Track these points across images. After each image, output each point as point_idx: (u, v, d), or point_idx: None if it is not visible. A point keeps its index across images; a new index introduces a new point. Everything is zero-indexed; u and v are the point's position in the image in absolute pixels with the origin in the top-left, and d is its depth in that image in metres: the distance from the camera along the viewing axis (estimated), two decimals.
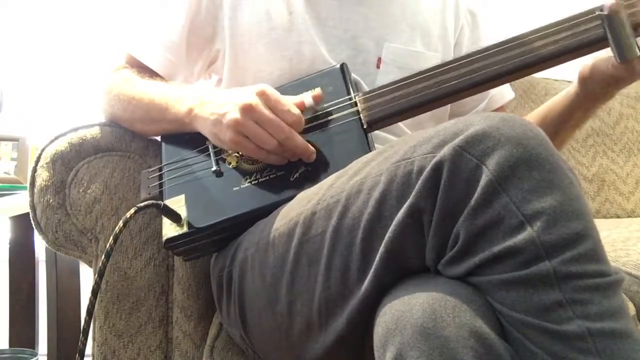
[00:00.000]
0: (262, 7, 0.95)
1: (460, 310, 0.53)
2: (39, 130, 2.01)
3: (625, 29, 0.71)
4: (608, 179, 1.55)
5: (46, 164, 0.92)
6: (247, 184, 0.83)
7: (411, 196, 0.58)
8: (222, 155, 0.86)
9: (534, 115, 1.02)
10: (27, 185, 0.94)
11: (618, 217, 1.53)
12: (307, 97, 0.81)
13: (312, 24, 0.94)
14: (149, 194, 0.87)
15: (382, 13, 0.98)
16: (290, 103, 0.79)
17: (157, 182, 0.88)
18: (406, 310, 0.55)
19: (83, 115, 1.04)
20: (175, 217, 0.81)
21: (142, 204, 0.77)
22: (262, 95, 0.77)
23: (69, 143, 0.93)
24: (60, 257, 1.53)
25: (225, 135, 0.79)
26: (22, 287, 1.78)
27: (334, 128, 0.82)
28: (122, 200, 0.93)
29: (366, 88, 0.90)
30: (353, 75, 0.89)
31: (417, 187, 0.57)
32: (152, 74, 0.96)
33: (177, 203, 0.83)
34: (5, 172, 1.92)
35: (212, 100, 0.82)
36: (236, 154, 0.85)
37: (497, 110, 1.09)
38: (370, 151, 0.78)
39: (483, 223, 0.54)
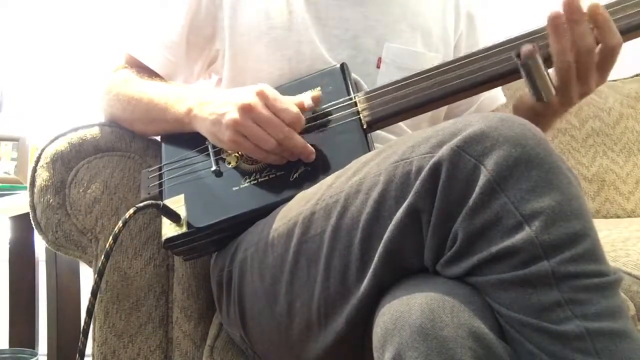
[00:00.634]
0: (262, 7, 0.95)
1: (459, 310, 0.54)
2: (39, 130, 2.01)
3: (540, 70, 0.70)
4: (608, 179, 1.55)
5: (46, 164, 0.92)
6: (246, 184, 0.83)
7: (410, 196, 0.58)
8: (222, 155, 0.86)
9: None
10: (27, 185, 0.94)
11: (618, 217, 1.53)
12: (306, 98, 0.81)
13: (312, 24, 0.94)
14: (149, 193, 0.87)
15: (382, 13, 0.98)
16: (290, 102, 0.79)
17: (157, 182, 0.88)
18: (405, 310, 0.55)
19: (83, 115, 1.04)
20: (174, 217, 0.81)
21: (141, 204, 0.77)
22: (261, 95, 0.77)
23: (69, 143, 0.93)
24: (60, 257, 1.53)
25: (225, 135, 0.79)
26: (22, 287, 1.78)
27: (333, 128, 0.82)
28: (122, 200, 0.93)
29: (366, 88, 0.90)
30: (353, 75, 0.89)
31: (415, 187, 0.57)
32: (151, 74, 0.96)
33: (177, 203, 0.84)
34: (5, 172, 1.92)
35: (212, 101, 0.82)
36: (236, 154, 0.85)
37: None
38: (369, 151, 0.78)
39: (481, 223, 0.54)
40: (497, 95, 1.09)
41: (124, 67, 0.99)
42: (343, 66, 0.87)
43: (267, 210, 0.79)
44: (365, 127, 0.81)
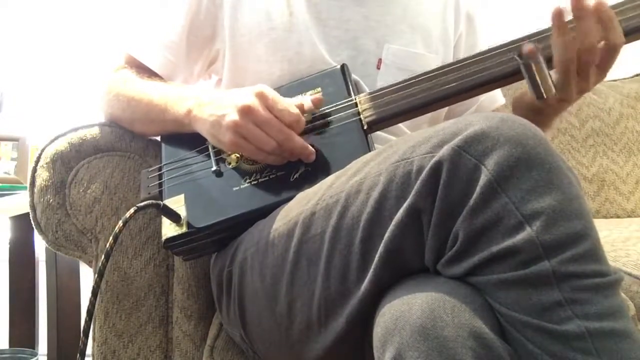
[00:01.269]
0: (262, 7, 0.95)
1: (460, 310, 0.54)
2: (39, 130, 2.01)
3: (541, 69, 0.71)
4: (608, 179, 1.55)
5: (46, 164, 0.92)
6: (246, 184, 0.83)
7: (410, 196, 0.58)
8: (222, 155, 0.86)
9: None
10: (27, 185, 0.94)
11: (618, 217, 1.53)
12: (306, 100, 0.81)
13: (313, 25, 0.94)
14: (149, 193, 0.87)
15: (382, 14, 0.98)
16: (289, 103, 0.79)
17: (157, 182, 0.88)
18: (405, 310, 0.55)
19: (83, 115, 1.04)
20: (174, 217, 0.81)
21: (141, 204, 0.77)
22: (261, 96, 0.77)
23: (69, 143, 0.93)
24: (60, 257, 1.53)
25: (225, 137, 0.79)
26: (22, 287, 1.78)
27: (334, 129, 0.82)
28: (122, 200, 0.93)
29: (366, 89, 0.90)
30: (353, 75, 0.89)
31: (416, 187, 0.57)
32: (151, 74, 0.96)
33: (177, 203, 0.83)
34: (5, 172, 1.93)
35: (211, 102, 0.82)
36: (236, 154, 0.85)
37: None
38: (370, 152, 0.78)
39: (482, 223, 0.54)
40: (496, 97, 1.10)
41: (123, 67, 0.99)
42: (343, 67, 0.87)
43: (267, 211, 0.79)
44: (365, 127, 0.81)
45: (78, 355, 0.71)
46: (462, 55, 1.03)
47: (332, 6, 0.96)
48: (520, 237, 0.53)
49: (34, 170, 0.93)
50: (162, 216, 0.83)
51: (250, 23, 0.94)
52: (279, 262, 0.71)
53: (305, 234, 0.68)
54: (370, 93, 0.83)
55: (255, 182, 0.82)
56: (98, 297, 0.90)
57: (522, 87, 0.78)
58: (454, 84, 0.79)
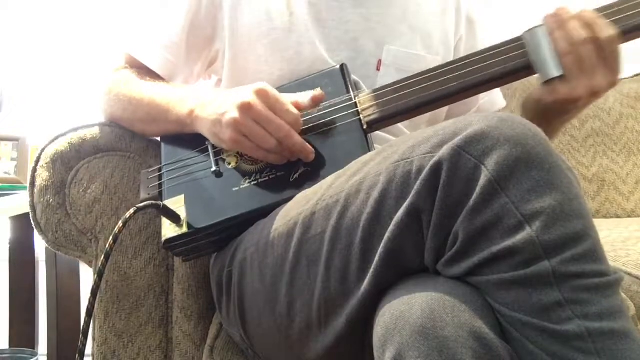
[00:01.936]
0: (262, 8, 0.95)
1: (460, 310, 0.53)
2: (39, 130, 2.01)
3: (539, 44, 0.76)
4: (608, 179, 1.55)
5: (46, 164, 0.92)
6: (246, 185, 0.83)
7: (410, 196, 0.58)
8: (222, 156, 0.86)
9: None
10: (27, 185, 0.94)
11: (618, 217, 1.53)
12: (303, 98, 0.81)
13: (313, 25, 0.94)
14: (149, 194, 0.87)
15: (382, 15, 0.97)
16: (289, 102, 0.79)
17: (157, 183, 0.88)
18: (405, 310, 0.55)
19: (83, 115, 1.04)
20: (174, 218, 0.81)
21: (141, 205, 0.77)
22: (261, 94, 0.77)
23: (69, 143, 0.93)
24: (60, 257, 1.53)
25: (225, 135, 0.79)
26: (22, 287, 1.78)
27: (333, 128, 0.82)
28: (122, 201, 0.93)
29: (366, 89, 0.90)
30: (353, 76, 0.89)
31: (416, 187, 0.57)
32: (151, 74, 0.96)
33: (177, 203, 0.83)
34: (5, 172, 1.93)
35: (212, 101, 0.82)
36: (236, 154, 0.85)
37: None
38: (370, 151, 0.78)
39: (482, 223, 0.54)
40: (496, 99, 1.10)
41: (124, 68, 0.99)
42: (343, 67, 0.87)
43: (267, 211, 0.79)
44: (365, 127, 0.81)
45: (77, 355, 0.71)
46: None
47: (332, 7, 0.96)
48: (520, 237, 0.53)
49: (34, 170, 0.93)
50: (162, 217, 0.83)
51: (250, 23, 0.94)
52: (278, 262, 0.71)
53: (305, 234, 0.68)
54: (369, 92, 0.83)
55: (255, 183, 0.82)
56: (98, 297, 0.90)
57: (522, 87, 0.78)
58: (453, 83, 0.79)
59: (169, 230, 0.82)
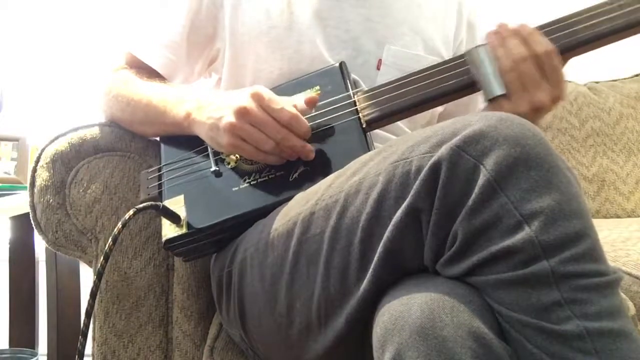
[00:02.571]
0: (262, 7, 0.95)
1: (459, 310, 0.53)
2: (39, 130, 2.01)
3: (479, 64, 0.78)
4: (608, 179, 1.55)
5: (46, 164, 0.92)
6: (246, 184, 0.83)
7: (409, 196, 0.58)
8: (221, 156, 0.86)
9: None
10: (27, 185, 0.94)
11: (618, 217, 1.53)
12: (299, 100, 0.81)
13: (313, 24, 0.94)
14: (148, 194, 0.87)
15: (383, 15, 0.97)
16: (285, 102, 0.79)
17: (157, 183, 0.88)
18: (404, 310, 0.55)
19: (83, 115, 1.04)
20: (174, 218, 0.81)
21: (141, 205, 0.77)
22: (256, 97, 0.77)
23: (69, 143, 0.93)
24: (60, 257, 1.53)
25: (223, 140, 0.79)
26: (22, 287, 1.78)
27: (332, 128, 0.82)
28: (122, 201, 0.93)
29: (365, 88, 0.90)
30: (352, 75, 0.89)
31: (415, 187, 0.57)
32: (152, 74, 0.96)
33: (177, 204, 0.83)
34: (5, 172, 1.92)
35: (209, 104, 0.82)
36: (235, 154, 0.85)
37: None
38: (369, 150, 0.78)
39: (481, 223, 0.54)
40: None
41: (124, 68, 0.99)
42: (342, 65, 0.87)
43: (267, 211, 0.79)
44: (364, 126, 0.81)
45: (77, 356, 0.71)
46: None
47: (333, 6, 0.96)
48: (519, 237, 0.53)
49: (34, 170, 0.93)
50: (162, 217, 0.83)
51: (250, 22, 0.94)
52: (278, 262, 0.71)
53: (305, 233, 0.68)
54: (368, 91, 0.83)
55: (254, 182, 0.82)
56: (98, 297, 0.90)
57: None
58: (452, 81, 0.79)
59: (169, 230, 0.82)
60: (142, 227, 0.94)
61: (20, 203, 1.53)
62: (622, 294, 0.58)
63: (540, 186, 0.54)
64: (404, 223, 0.58)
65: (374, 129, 0.84)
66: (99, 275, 0.74)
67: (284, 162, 0.81)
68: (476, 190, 0.54)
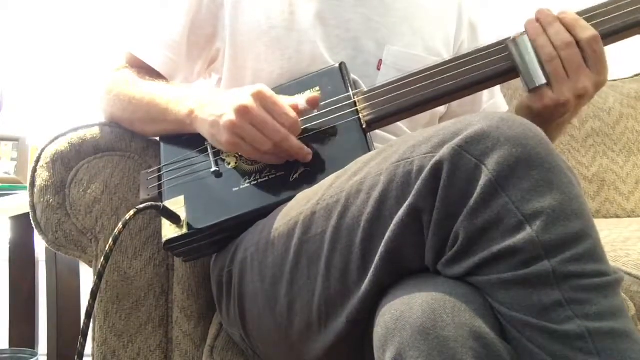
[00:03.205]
0: (263, 7, 0.95)
1: (460, 310, 0.53)
2: (39, 130, 2.01)
3: (523, 53, 0.76)
4: (608, 179, 1.55)
5: (46, 164, 0.92)
6: (246, 185, 0.83)
7: (411, 196, 0.58)
8: (222, 156, 0.86)
9: None
10: (27, 185, 0.94)
11: (618, 217, 1.53)
12: (301, 100, 0.81)
13: (314, 24, 0.94)
14: (149, 195, 0.87)
15: (384, 15, 0.98)
16: (287, 104, 0.79)
17: (157, 183, 0.88)
18: (406, 310, 0.55)
19: (83, 115, 1.04)
20: (174, 219, 0.81)
21: (141, 206, 0.77)
22: (258, 96, 0.77)
23: (69, 143, 0.93)
24: (60, 257, 1.53)
25: (222, 137, 0.79)
26: (22, 287, 1.78)
27: (333, 128, 0.82)
28: (122, 201, 0.93)
29: (365, 88, 0.90)
30: (352, 75, 0.89)
31: (416, 187, 0.57)
32: (152, 73, 0.96)
33: (177, 204, 0.83)
34: (5, 172, 1.92)
35: (211, 102, 0.82)
36: (235, 154, 0.85)
37: None
38: (369, 151, 0.78)
39: (482, 223, 0.54)
40: (500, 102, 1.10)
41: (124, 67, 0.99)
42: (342, 66, 0.87)
43: (267, 211, 0.79)
44: (364, 126, 0.81)
45: (76, 356, 0.71)
46: None
47: (333, 6, 0.96)
48: (520, 236, 0.53)
49: (34, 170, 0.93)
50: (162, 218, 0.83)
51: (250, 22, 0.94)
52: (279, 262, 0.71)
53: (306, 233, 0.68)
54: (368, 91, 0.83)
55: (254, 183, 0.82)
56: (98, 297, 0.90)
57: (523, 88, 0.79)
58: (452, 81, 0.79)
59: (169, 230, 0.82)
60: (142, 227, 0.94)
61: (20, 203, 1.53)
62: (622, 294, 0.58)
63: (541, 186, 0.54)
64: (405, 223, 0.58)
65: (374, 130, 0.84)
66: (99, 276, 0.74)
67: (283, 162, 0.81)
68: (477, 190, 0.54)
